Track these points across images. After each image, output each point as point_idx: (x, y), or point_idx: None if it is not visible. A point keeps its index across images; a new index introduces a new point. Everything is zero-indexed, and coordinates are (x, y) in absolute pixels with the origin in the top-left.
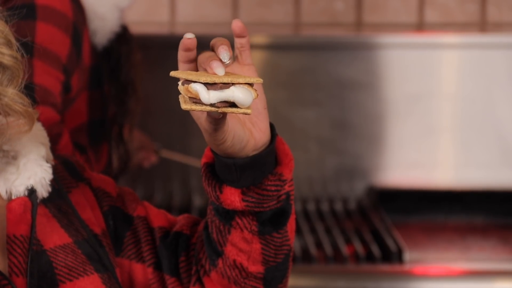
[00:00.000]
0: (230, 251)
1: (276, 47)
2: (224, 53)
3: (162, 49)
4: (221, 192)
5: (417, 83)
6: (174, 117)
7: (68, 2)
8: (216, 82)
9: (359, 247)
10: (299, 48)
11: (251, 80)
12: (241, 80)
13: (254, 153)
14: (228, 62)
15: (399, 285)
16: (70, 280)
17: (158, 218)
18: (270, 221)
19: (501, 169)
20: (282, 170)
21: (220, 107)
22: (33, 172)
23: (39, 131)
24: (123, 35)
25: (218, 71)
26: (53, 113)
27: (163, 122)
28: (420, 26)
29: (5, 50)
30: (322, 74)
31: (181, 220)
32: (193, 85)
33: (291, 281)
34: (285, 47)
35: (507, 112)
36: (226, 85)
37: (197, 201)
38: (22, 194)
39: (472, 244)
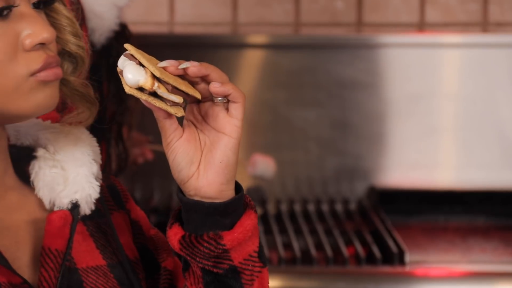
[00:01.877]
0: None
1: (276, 46)
2: (188, 63)
3: (160, 48)
4: (170, 227)
5: (418, 83)
6: None
7: (66, 1)
8: (160, 78)
9: (359, 249)
10: (299, 48)
11: (190, 92)
12: (183, 88)
13: (196, 198)
14: (183, 67)
15: (400, 287)
16: None
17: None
18: None
19: (503, 170)
20: (225, 235)
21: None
22: (81, 187)
23: (93, 147)
24: (122, 33)
25: (164, 63)
26: (53, 112)
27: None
28: (421, 26)
29: (72, 38)
30: (322, 74)
31: None
32: (130, 65)
33: (292, 282)
34: (285, 47)
35: (509, 112)
36: (167, 85)
37: None
38: (65, 207)
39: (473, 245)
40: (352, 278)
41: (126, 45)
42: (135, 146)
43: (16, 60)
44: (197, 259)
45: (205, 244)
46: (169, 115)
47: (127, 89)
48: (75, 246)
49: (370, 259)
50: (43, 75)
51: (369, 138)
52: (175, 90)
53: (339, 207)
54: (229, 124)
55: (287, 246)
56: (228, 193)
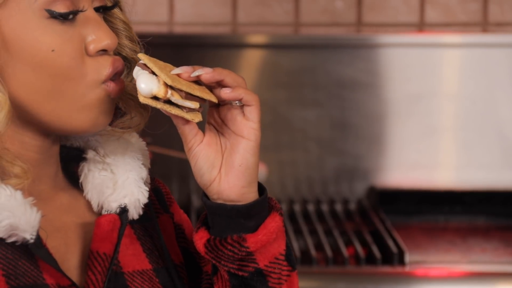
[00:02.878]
0: None
1: (275, 46)
2: (201, 70)
3: (160, 48)
4: (196, 231)
5: (418, 83)
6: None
7: None
8: (173, 85)
9: (359, 249)
10: (299, 48)
11: (206, 97)
12: (197, 93)
13: (219, 201)
14: (196, 74)
15: (399, 287)
16: None
17: None
18: None
19: (503, 170)
20: (248, 237)
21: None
22: (130, 191)
23: (143, 151)
24: None
25: (178, 70)
26: None
27: (157, 120)
28: (421, 26)
29: (128, 43)
30: (322, 74)
31: None
32: (143, 74)
33: None
34: (285, 47)
35: (509, 112)
36: (181, 92)
37: (196, 201)
38: (113, 211)
39: (473, 245)
40: (352, 279)
41: (139, 55)
42: None
43: (84, 66)
44: (222, 262)
45: (229, 247)
46: (187, 121)
47: (142, 99)
48: (122, 249)
49: (370, 259)
50: (112, 86)
51: (369, 138)
52: (190, 96)
53: (338, 207)
54: (246, 127)
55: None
56: (251, 196)
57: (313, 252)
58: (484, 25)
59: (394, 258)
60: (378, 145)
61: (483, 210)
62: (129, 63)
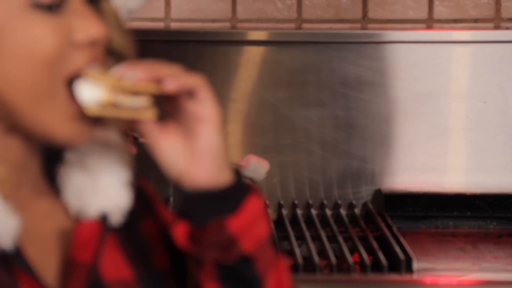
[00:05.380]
0: None
1: (277, 43)
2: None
3: (157, 45)
4: (176, 224)
5: (427, 81)
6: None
7: None
8: (116, 85)
9: (365, 255)
10: (302, 44)
11: (153, 90)
12: (142, 90)
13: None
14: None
15: None
16: None
17: None
18: (231, 280)
19: None
20: (228, 221)
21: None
22: (110, 196)
23: (124, 153)
24: None
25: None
26: None
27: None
28: (429, 22)
29: (116, 36)
30: (326, 72)
31: None
32: (81, 84)
33: None
34: (287, 44)
35: None
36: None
37: None
38: (92, 217)
39: (485, 252)
40: (357, 287)
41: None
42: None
43: (66, 59)
44: (207, 252)
45: (211, 234)
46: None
47: (91, 111)
48: (102, 258)
49: (376, 267)
50: None
51: (375, 139)
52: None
53: (343, 211)
54: (201, 109)
55: (289, 252)
56: (226, 178)
57: (316, 258)
58: (496, 21)
59: (401, 265)
60: (385, 147)
61: (495, 215)
62: (120, 58)
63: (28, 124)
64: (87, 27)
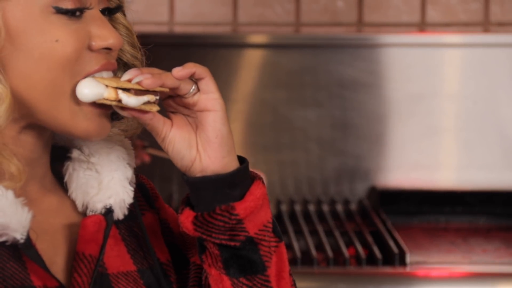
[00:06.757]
0: None
1: (276, 46)
2: (141, 76)
3: (160, 48)
4: (181, 213)
5: (419, 83)
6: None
7: None
8: (120, 86)
9: (360, 249)
10: (300, 47)
11: (157, 89)
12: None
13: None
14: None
15: (400, 287)
16: None
17: None
18: (236, 264)
19: (504, 170)
20: (237, 205)
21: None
22: (115, 191)
23: (128, 151)
24: None
25: (126, 76)
26: None
27: None
28: (422, 26)
29: (129, 48)
30: (323, 74)
31: None
32: (84, 82)
33: None
34: (286, 47)
35: (510, 113)
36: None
37: None
38: (98, 212)
39: (474, 246)
40: (352, 279)
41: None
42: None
43: (83, 61)
44: (213, 235)
45: (219, 218)
46: (153, 114)
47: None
48: (107, 250)
49: (371, 260)
50: None
51: (370, 138)
52: (141, 92)
53: (339, 207)
54: (207, 100)
55: (288, 246)
56: (233, 165)
57: (313, 252)
58: (485, 25)
59: (395, 258)
60: (379, 145)
61: (485, 211)
62: (129, 69)
63: (48, 122)
64: (105, 35)
